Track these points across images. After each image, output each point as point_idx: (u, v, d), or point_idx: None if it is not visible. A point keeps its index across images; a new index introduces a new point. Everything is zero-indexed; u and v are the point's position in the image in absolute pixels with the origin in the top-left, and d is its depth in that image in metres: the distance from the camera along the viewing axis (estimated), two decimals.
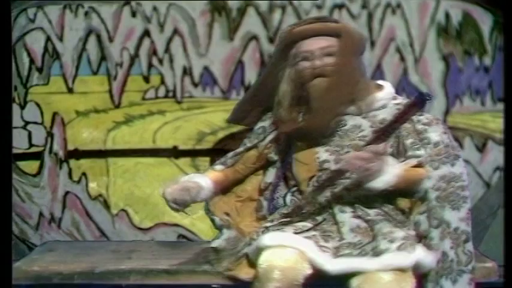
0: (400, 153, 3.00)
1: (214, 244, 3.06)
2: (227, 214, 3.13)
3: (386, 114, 3.04)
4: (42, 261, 3.20)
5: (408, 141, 2.98)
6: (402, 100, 3.13)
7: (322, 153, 3.03)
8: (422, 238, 2.92)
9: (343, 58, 3.00)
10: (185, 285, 3.05)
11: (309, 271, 2.80)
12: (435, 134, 3.00)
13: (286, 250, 2.81)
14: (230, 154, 3.26)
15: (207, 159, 4.01)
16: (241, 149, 3.26)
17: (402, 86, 4.00)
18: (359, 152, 2.85)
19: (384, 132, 2.93)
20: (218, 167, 3.23)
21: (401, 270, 2.75)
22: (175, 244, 3.62)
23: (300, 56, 3.04)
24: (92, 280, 3.08)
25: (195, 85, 4.03)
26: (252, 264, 2.92)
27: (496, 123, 3.99)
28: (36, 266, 3.13)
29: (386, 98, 3.10)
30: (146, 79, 4.04)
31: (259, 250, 2.86)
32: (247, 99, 3.30)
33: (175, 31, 4.01)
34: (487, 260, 3.05)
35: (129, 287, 3.08)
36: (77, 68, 4.04)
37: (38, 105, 4.05)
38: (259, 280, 2.78)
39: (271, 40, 3.97)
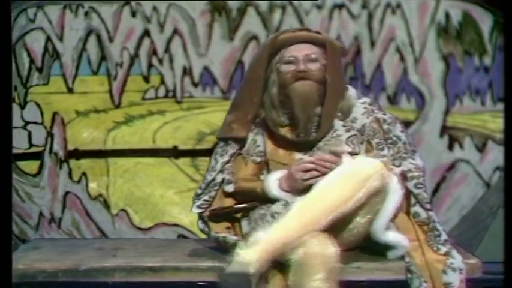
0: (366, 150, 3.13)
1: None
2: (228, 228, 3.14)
3: (356, 113, 3.15)
4: (26, 259, 3.16)
5: (374, 141, 3.11)
6: (366, 99, 3.21)
7: (299, 154, 3.10)
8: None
9: (335, 65, 3.13)
10: (170, 283, 3.04)
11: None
12: (397, 133, 3.14)
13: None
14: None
15: (207, 159, 4.00)
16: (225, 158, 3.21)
17: (402, 86, 4.00)
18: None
19: None
20: (229, 187, 3.20)
21: None
22: (160, 242, 3.61)
23: (284, 60, 3.12)
24: (76, 278, 3.05)
25: (195, 85, 4.04)
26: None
27: (496, 123, 3.99)
28: (20, 264, 3.09)
29: (354, 97, 3.19)
30: (146, 79, 4.05)
31: None
32: (229, 109, 3.27)
33: (175, 31, 4.01)
34: (471, 256, 3.07)
35: (114, 285, 3.07)
36: (77, 68, 4.04)
37: (38, 105, 4.05)
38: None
39: None
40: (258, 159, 3.17)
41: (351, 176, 2.88)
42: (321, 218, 2.82)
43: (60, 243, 3.60)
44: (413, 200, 3.06)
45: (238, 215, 3.12)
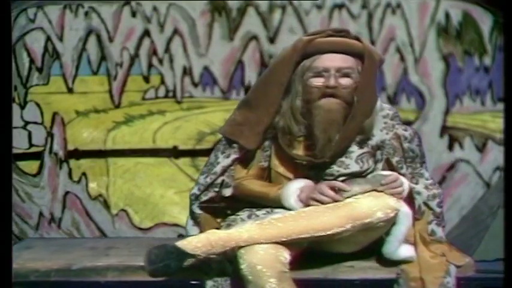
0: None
1: None
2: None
3: (375, 129, 2.99)
4: (19, 259, 3.16)
5: (394, 160, 2.99)
6: (388, 111, 3.04)
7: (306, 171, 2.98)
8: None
9: (369, 80, 2.92)
10: (162, 282, 3.03)
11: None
12: (413, 147, 3.03)
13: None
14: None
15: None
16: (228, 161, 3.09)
17: (402, 86, 4.00)
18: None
19: None
20: (227, 191, 3.11)
21: None
22: (153, 241, 3.61)
23: (314, 70, 2.88)
24: (69, 277, 3.05)
25: (195, 85, 4.04)
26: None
27: (496, 123, 3.99)
28: (13, 263, 3.10)
29: (377, 110, 3.00)
30: (146, 79, 4.05)
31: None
32: (240, 105, 3.07)
33: (175, 31, 4.01)
34: (464, 255, 3.07)
35: (107, 284, 3.07)
36: (77, 68, 4.04)
37: (38, 105, 4.06)
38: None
39: (271, 40, 3.98)
40: (266, 164, 3.04)
41: (341, 208, 2.80)
42: (285, 236, 2.75)
43: (52, 243, 3.61)
44: (431, 217, 2.99)
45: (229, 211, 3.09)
